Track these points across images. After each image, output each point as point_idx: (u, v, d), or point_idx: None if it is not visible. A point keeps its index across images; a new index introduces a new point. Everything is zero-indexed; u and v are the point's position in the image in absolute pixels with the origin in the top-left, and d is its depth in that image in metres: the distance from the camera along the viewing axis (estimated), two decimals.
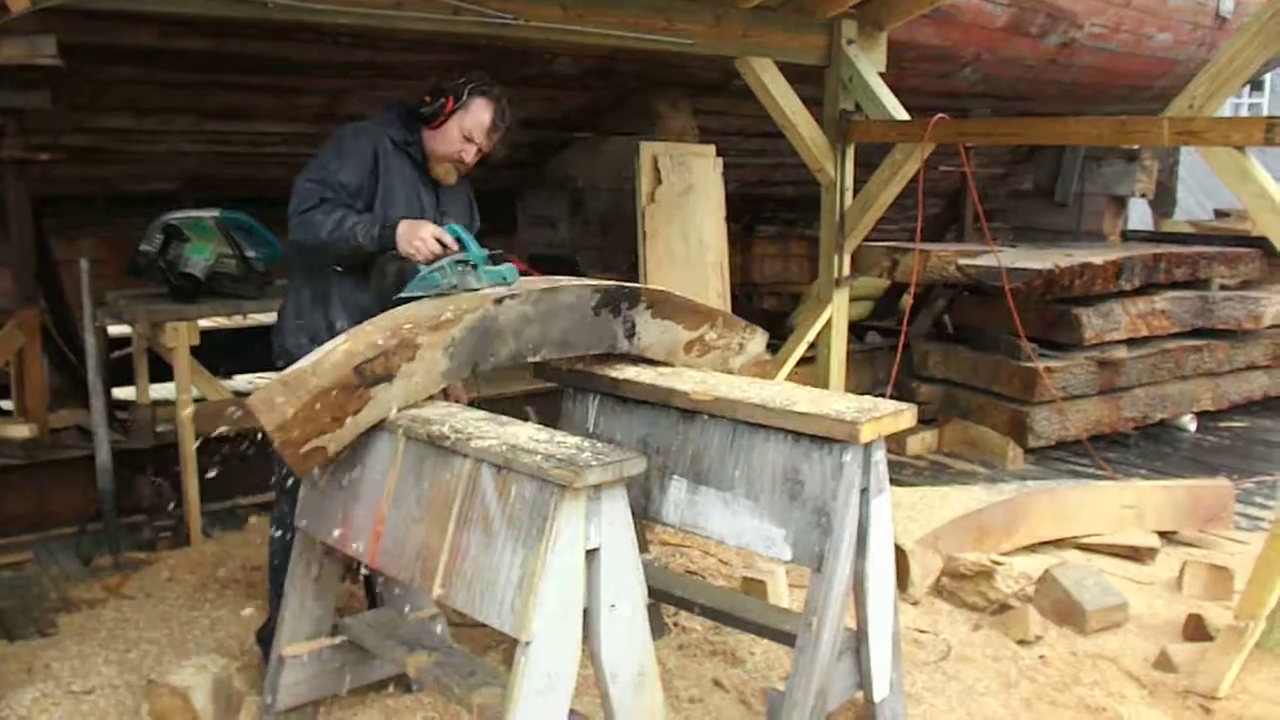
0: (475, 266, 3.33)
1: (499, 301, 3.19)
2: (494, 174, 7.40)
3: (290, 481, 3.70)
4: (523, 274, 3.50)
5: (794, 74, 5.81)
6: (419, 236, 3.40)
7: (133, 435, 5.50)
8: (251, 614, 4.39)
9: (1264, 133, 4.13)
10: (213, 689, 3.50)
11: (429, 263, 3.36)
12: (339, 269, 3.63)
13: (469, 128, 3.65)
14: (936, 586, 4.70)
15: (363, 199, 3.59)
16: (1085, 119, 4.99)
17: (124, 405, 5.88)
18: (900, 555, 4.44)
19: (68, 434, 5.59)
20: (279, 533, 3.81)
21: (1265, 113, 18.33)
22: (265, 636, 3.85)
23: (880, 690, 3.50)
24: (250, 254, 5.30)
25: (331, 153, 3.60)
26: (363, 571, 4.03)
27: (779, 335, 6.13)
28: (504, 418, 3.08)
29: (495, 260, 3.36)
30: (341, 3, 4.23)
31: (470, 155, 3.70)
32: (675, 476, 3.45)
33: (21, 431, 5.25)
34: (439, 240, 3.39)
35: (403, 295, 3.34)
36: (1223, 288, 8.26)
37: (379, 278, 3.58)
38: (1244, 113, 18.12)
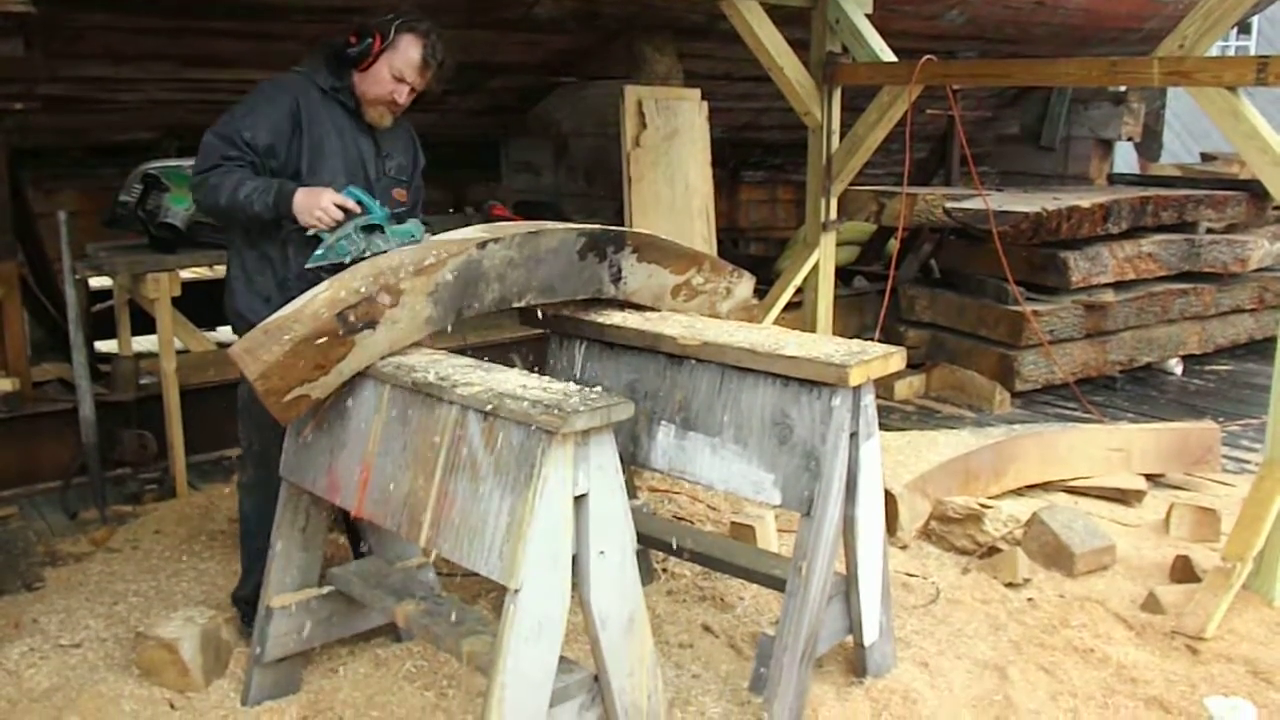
0: (381, 228, 3.25)
1: (483, 246, 3.14)
2: (477, 120, 7.34)
3: (256, 446, 3.66)
4: (505, 220, 3.45)
5: (780, 16, 5.73)
6: (319, 206, 3.27)
7: (116, 388, 5.45)
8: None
9: (1255, 72, 4.08)
10: (201, 640, 3.49)
11: (332, 230, 3.26)
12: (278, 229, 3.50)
13: (399, 67, 3.47)
14: (925, 530, 4.71)
15: (277, 159, 3.45)
16: (1074, 60, 4.92)
17: (106, 358, 5.83)
18: (889, 499, 4.43)
19: (50, 387, 5.54)
20: (247, 498, 3.77)
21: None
22: (240, 598, 3.84)
23: (870, 634, 3.52)
24: None
25: (243, 108, 3.46)
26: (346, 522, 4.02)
27: (765, 281, 6.09)
28: (490, 364, 3.05)
29: (399, 219, 3.27)
30: None
31: (403, 96, 3.53)
32: (663, 422, 3.43)
33: (3, 385, 5.20)
34: (341, 206, 3.28)
35: (308, 267, 3.26)
36: (1209, 231, 8.23)
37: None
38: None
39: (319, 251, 3.27)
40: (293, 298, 3.13)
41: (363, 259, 3.17)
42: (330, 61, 3.52)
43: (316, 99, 3.49)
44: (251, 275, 3.58)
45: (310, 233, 3.32)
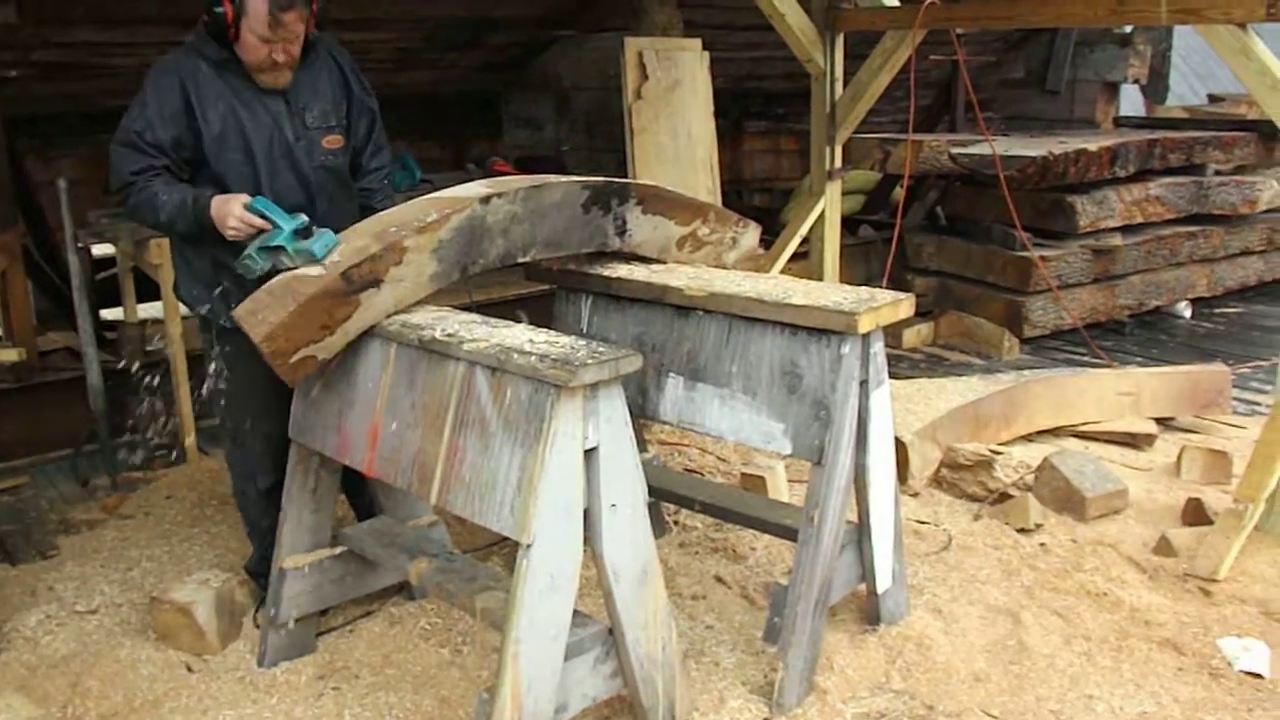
0: (285, 248, 2.96)
1: (486, 201, 3.11)
2: (476, 77, 7.28)
3: (230, 423, 3.63)
4: (508, 175, 3.41)
5: None
6: (232, 216, 3.05)
7: (122, 355, 5.45)
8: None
9: (1266, 8, 4.03)
10: (215, 603, 3.51)
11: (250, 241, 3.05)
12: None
13: (257, 29, 3.15)
14: (936, 478, 4.70)
15: (187, 147, 3.25)
16: None
17: (112, 325, 5.82)
18: (899, 447, 4.42)
19: (57, 356, 5.55)
20: (241, 483, 3.74)
21: None
22: (254, 569, 3.84)
23: (883, 582, 3.52)
24: None
25: (135, 107, 3.22)
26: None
27: (770, 232, 6.06)
28: (496, 320, 3.03)
29: (306, 232, 2.97)
30: None
31: (281, 54, 3.21)
32: (671, 374, 3.42)
33: (10, 355, 5.20)
34: (251, 216, 3.05)
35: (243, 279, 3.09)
36: (1218, 173, 8.16)
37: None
38: None
39: (238, 269, 3.08)
40: (231, 281, 3.17)
41: (272, 276, 2.98)
42: (215, 31, 3.22)
43: (209, 74, 3.25)
44: (190, 260, 3.43)
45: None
